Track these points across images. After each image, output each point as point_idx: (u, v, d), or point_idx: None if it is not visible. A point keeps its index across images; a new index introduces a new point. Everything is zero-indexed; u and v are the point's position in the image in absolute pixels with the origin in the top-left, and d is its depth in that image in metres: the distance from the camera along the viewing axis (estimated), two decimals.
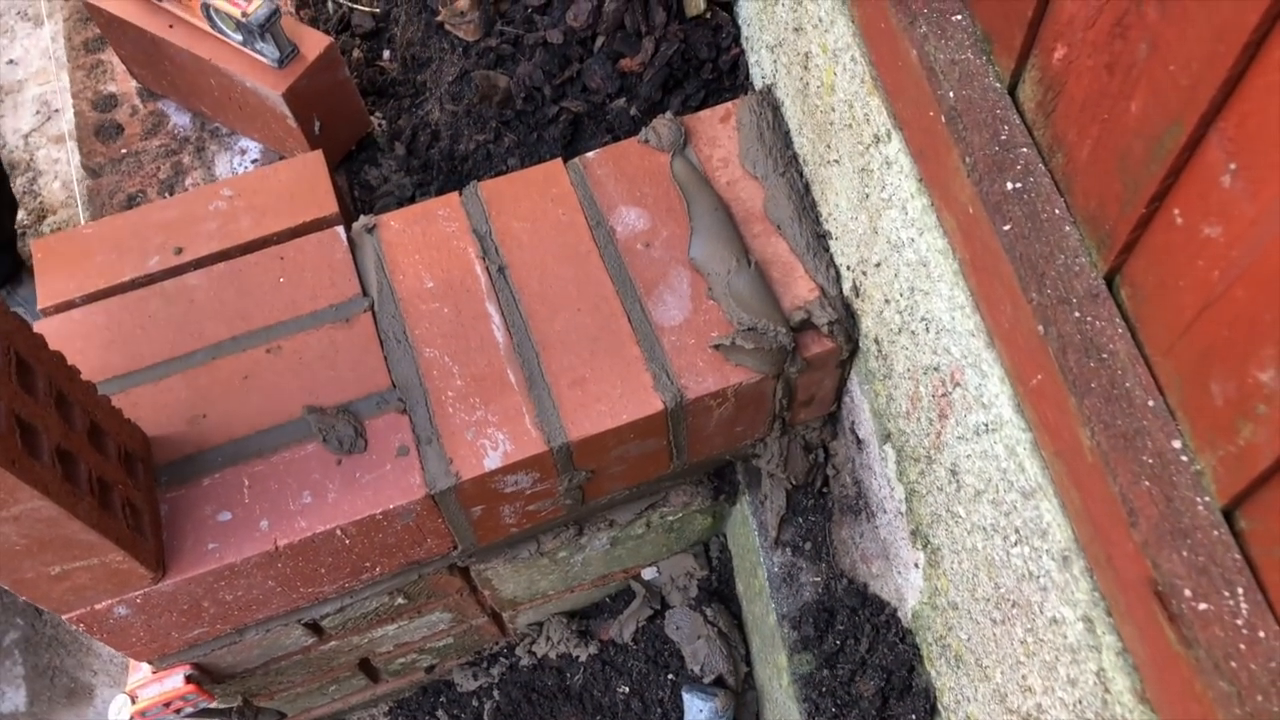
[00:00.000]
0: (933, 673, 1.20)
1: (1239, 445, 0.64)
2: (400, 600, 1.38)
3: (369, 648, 1.52)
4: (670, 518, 1.51)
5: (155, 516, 1.13)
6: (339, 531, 1.15)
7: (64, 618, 1.11)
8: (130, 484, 1.09)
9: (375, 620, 1.42)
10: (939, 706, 1.20)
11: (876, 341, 1.16)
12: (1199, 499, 0.68)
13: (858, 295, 1.19)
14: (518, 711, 1.68)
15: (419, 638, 1.56)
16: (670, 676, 1.66)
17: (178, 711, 1.33)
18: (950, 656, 1.13)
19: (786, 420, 1.34)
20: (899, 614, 1.28)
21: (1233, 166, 0.61)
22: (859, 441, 1.31)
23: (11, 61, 2.27)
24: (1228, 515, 0.68)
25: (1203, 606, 0.65)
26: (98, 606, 1.11)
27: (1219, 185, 0.63)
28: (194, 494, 1.16)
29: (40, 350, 0.97)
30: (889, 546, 1.27)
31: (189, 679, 1.29)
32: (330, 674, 1.56)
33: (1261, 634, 0.63)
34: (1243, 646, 0.63)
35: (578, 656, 1.69)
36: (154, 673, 1.29)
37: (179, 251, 1.33)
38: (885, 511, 1.26)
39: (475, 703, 1.71)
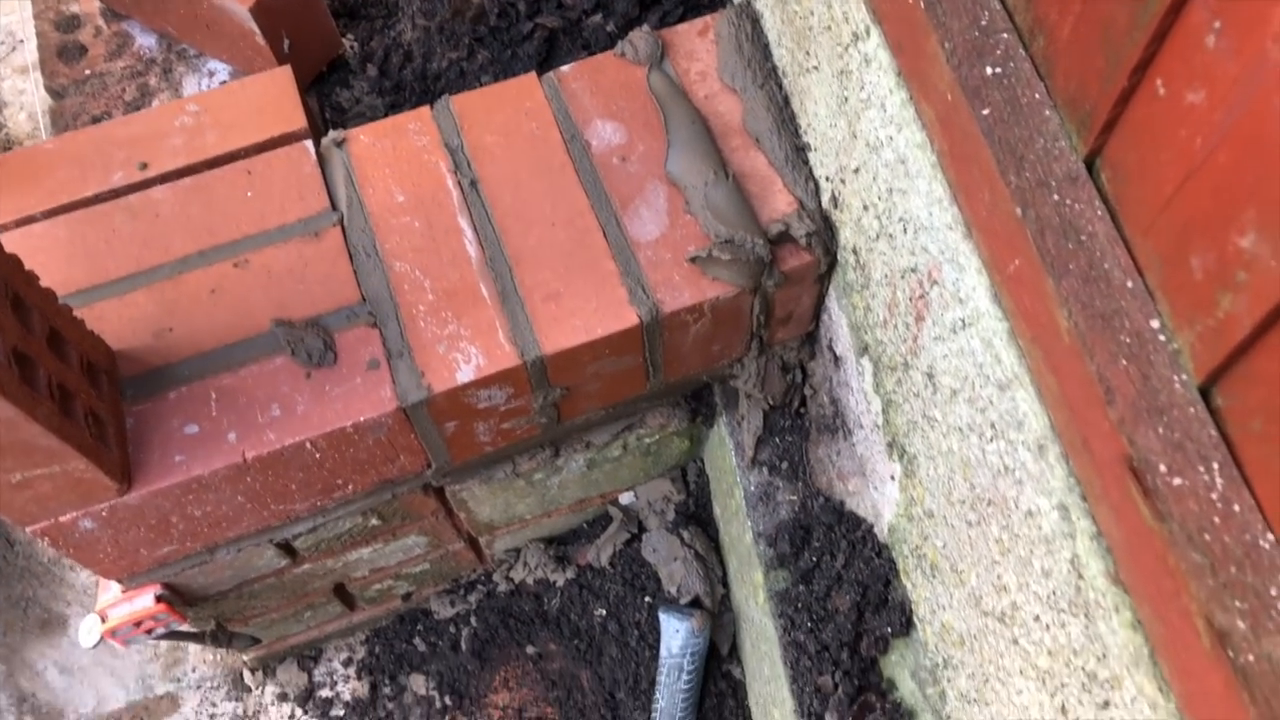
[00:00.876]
0: (909, 585, 1.20)
1: (1218, 318, 0.63)
2: (374, 521, 1.37)
3: (344, 572, 1.51)
4: (647, 440, 1.50)
5: (120, 428, 1.11)
6: (308, 445, 1.13)
7: (27, 530, 1.09)
8: (93, 394, 1.07)
9: (349, 542, 1.41)
10: (915, 619, 1.20)
11: (854, 252, 1.15)
12: (1176, 377, 0.67)
13: (836, 206, 1.17)
14: (495, 637, 1.68)
15: (395, 563, 1.55)
16: (647, 599, 1.66)
17: (149, 632, 1.32)
18: (926, 566, 1.12)
19: (764, 339, 1.33)
20: (875, 530, 1.27)
21: (1217, 25, 0.59)
22: (836, 359, 1.30)
23: None
24: (1204, 393, 0.67)
25: (1178, 481, 0.65)
26: (62, 519, 1.09)
27: (1203, 47, 0.61)
28: (160, 407, 1.14)
29: None
30: (865, 462, 1.26)
31: (159, 599, 1.28)
32: (305, 599, 1.55)
33: (1236, 507, 0.63)
34: (1217, 520, 0.63)
35: (555, 581, 1.69)
36: (123, 592, 1.28)
37: (144, 167, 1.30)
38: (862, 427, 1.25)
39: (453, 629, 1.71)
